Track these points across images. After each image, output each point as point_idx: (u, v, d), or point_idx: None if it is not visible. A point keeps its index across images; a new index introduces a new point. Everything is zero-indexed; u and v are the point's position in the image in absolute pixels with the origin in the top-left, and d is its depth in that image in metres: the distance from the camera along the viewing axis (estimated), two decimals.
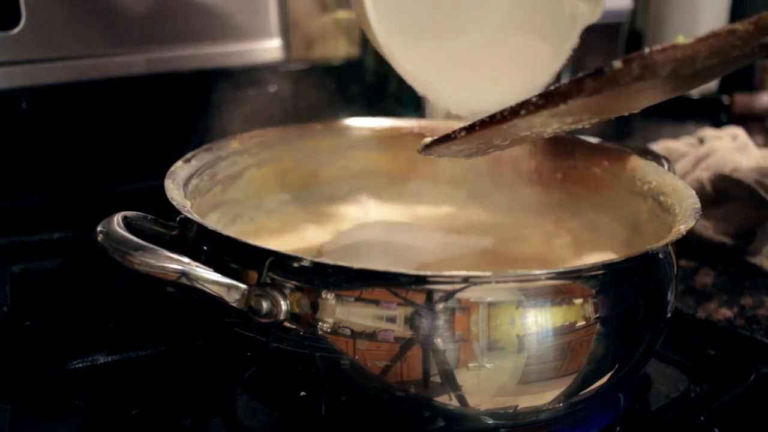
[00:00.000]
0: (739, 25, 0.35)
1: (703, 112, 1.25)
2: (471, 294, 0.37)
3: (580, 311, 0.39)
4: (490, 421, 0.39)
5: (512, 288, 0.38)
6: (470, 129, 0.42)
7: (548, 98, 0.38)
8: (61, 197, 0.82)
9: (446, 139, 0.44)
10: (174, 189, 0.46)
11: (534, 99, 0.38)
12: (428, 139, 0.46)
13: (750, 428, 0.52)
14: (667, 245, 0.43)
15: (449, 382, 0.38)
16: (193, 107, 0.89)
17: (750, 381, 0.53)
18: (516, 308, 0.38)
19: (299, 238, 0.59)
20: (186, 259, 0.38)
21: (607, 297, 0.39)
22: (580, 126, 0.44)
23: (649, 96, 0.41)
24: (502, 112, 0.40)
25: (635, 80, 0.36)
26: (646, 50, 0.35)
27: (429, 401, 0.38)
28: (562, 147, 0.59)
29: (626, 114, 0.45)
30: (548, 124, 0.42)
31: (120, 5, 0.78)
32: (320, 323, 0.38)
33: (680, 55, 0.35)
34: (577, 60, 1.25)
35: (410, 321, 0.37)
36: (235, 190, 0.57)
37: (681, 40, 0.35)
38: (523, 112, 0.39)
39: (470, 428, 0.40)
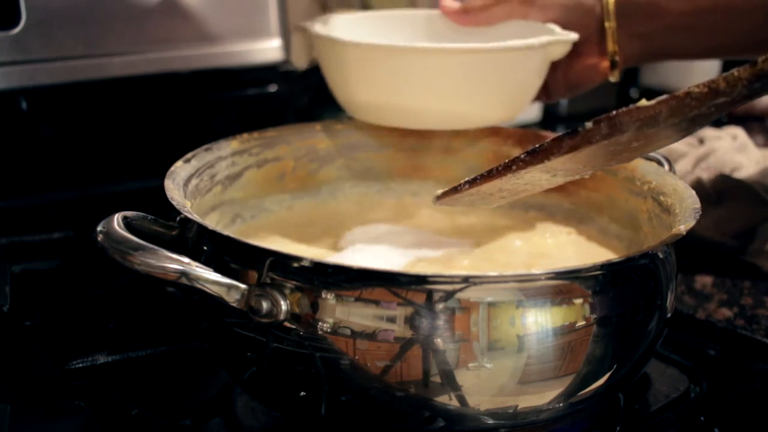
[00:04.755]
0: (695, 88, 0.38)
1: None
2: (471, 294, 0.37)
3: (580, 311, 0.39)
4: (490, 421, 0.39)
5: (512, 288, 0.38)
6: (472, 182, 0.47)
7: (534, 155, 0.43)
8: (61, 197, 0.82)
9: (454, 191, 0.48)
10: (174, 189, 0.46)
11: (522, 156, 0.44)
12: (440, 191, 0.51)
13: (750, 428, 0.52)
14: (667, 245, 0.43)
15: (449, 382, 0.38)
16: (193, 107, 0.89)
17: (750, 381, 0.53)
18: (516, 308, 0.38)
19: (299, 239, 0.59)
20: (186, 259, 0.38)
21: (607, 297, 0.39)
22: (579, 176, 0.49)
23: (642, 149, 0.45)
24: (497, 167, 0.45)
25: (605, 137, 0.40)
26: (613, 112, 0.40)
27: (429, 401, 0.38)
28: None
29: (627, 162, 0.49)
30: (544, 178, 0.47)
31: (120, 5, 0.78)
32: (320, 323, 0.38)
33: (643, 116, 0.40)
34: None
35: (410, 321, 0.37)
36: (235, 190, 0.57)
37: (644, 102, 0.39)
38: (513, 167, 0.44)
39: (470, 428, 0.40)
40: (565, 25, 0.63)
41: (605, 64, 0.67)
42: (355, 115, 0.63)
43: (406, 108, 0.59)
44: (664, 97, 0.39)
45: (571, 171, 0.47)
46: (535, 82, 0.62)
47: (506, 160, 0.45)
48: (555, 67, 0.65)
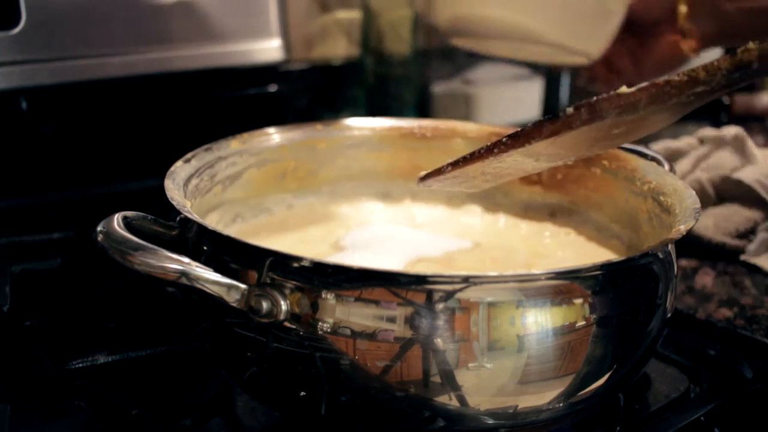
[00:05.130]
0: (675, 76, 0.39)
1: (703, 112, 1.25)
2: (471, 294, 0.37)
3: (580, 311, 0.39)
4: (490, 421, 0.39)
5: (512, 288, 0.38)
6: (455, 164, 0.48)
7: (515, 138, 0.44)
8: (61, 197, 0.82)
9: (437, 172, 0.49)
10: (174, 189, 0.46)
11: (504, 139, 0.44)
12: (423, 173, 0.50)
13: (750, 428, 0.52)
14: (667, 245, 0.43)
15: (449, 382, 0.38)
16: (193, 107, 0.89)
17: (750, 381, 0.53)
18: (516, 308, 0.38)
19: (299, 239, 0.59)
20: (186, 259, 0.38)
21: (607, 297, 0.39)
22: (561, 162, 0.49)
23: (623, 137, 0.45)
24: (479, 150, 0.46)
25: (585, 123, 0.41)
26: (594, 98, 0.41)
27: (429, 401, 0.38)
28: None
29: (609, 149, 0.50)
30: (527, 162, 0.47)
31: (120, 5, 0.78)
32: (320, 323, 0.38)
33: (623, 102, 0.40)
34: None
35: (410, 321, 0.37)
36: (235, 190, 0.57)
37: (624, 89, 0.40)
38: (495, 150, 0.45)
39: (470, 428, 0.40)
40: (644, 5, 0.64)
41: (685, 43, 0.67)
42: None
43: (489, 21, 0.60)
44: (644, 84, 0.40)
45: (554, 156, 0.47)
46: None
47: (488, 143, 0.45)
48: (638, 47, 0.65)
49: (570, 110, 0.41)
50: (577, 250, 0.57)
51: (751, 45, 0.38)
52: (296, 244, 0.57)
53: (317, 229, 0.60)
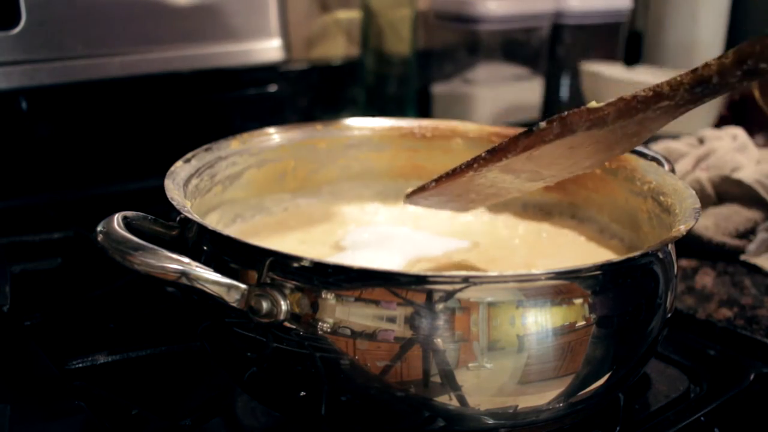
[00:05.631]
0: (641, 91, 0.41)
1: None
2: (471, 294, 0.37)
3: (580, 311, 0.39)
4: (490, 421, 0.39)
5: (512, 288, 0.38)
6: (438, 180, 0.49)
7: (493, 153, 0.45)
8: (61, 197, 0.82)
9: (422, 189, 0.50)
10: (174, 189, 0.46)
11: (482, 154, 0.46)
12: (409, 190, 0.52)
13: (750, 428, 0.52)
14: (667, 245, 0.43)
15: (449, 382, 0.38)
16: (193, 107, 0.89)
17: (750, 381, 0.53)
18: (516, 308, 0.38)
19: (300, 239, 0.59)
20: (186, 259, 0.38)
21: (607, 297, 0.39)
22: (543, 183, 0.51)
23: (597, 155, 0.47)
24: (460, 166, 0.47)
25: (558, 136, 0.43)
26: (565, 113, 0.43)
27: (429, 401, 0.38)
28: None
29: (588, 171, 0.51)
30: (508, 180, 0.49)
31: (120, 5, 0.78)
32: (320, 323, 0.38)
33: (592, 117, 0.42)
34: (579, 60, 1.25)
35: (410, 321, 0.37)
36: (235, 190, 0.57)
37: (593, 104, 0.42)
38: (475, 165, 0.46)
39: (470, 428, 0.40)
40: None
41: None
42: None
43: None
44: (613, 99, 0.41)
45: (534, 174, 0.49)
46: None
47: (468, 159, 0.47)
48: None
49: (543, 124, 0.43)
50: (577, 250, 0.57)
51: (710, 61, 0.39)
52: (297, 244, 0.57)
53: (317, 229, 0.60)
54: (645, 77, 1.09)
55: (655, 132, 0.45)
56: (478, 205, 0.53)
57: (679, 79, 0.40)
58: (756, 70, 0.37)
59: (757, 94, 0.40)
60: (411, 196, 0.53)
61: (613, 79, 1.02)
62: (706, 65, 0.38)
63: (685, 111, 0.41)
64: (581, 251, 0.57)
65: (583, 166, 0.49)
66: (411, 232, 0.59)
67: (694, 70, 0.39)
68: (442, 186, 0.49)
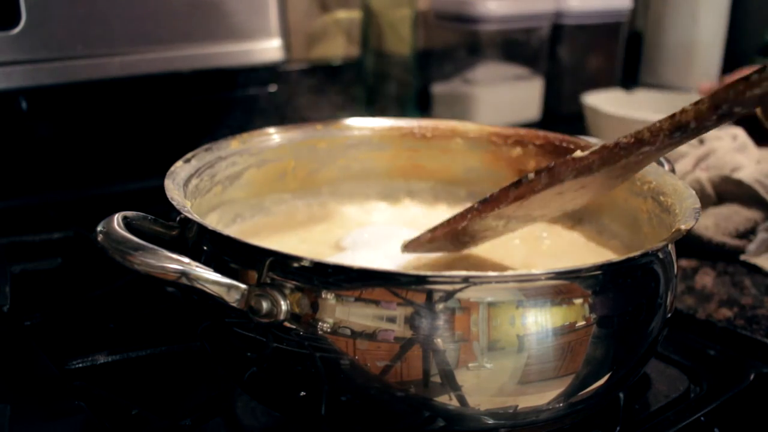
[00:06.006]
0: (623, 138, 0.42)
1: None
2: (471, 294, 0.37)
3: (580, 311, 0.39)
4: (490, 421, 0.39)
5: (512, 288, 0.38)
6: (433, 230, 0.52)
7: (485, 203, 0.48)
8: (61, 197, 0.82)
9: (417, 240, 0.52)
10: (174, 189, 0.46)
11: (475, 205, 0.49)
12: (406, 241, 0.55)
13: (750, 428, 0.52)
14: (667, 245, 0.43)
15: (449, 382, 0.38)
16: (193, 107, 0.89)
17: (750, 381, 0.53)
18: (516, 308, 0.38)
19: (300, 239, 0.59)
20: (186, 259, 0.38)
21: (607, 297, 0.39)
22: (534, 222, 0.53)
23: (591, 193, 0.49)
24: (454, 217, 0.50)
25: (546, 186, 0.45)
26: (552, 163, 0.45)
27: (429, 401, 0.38)
28: (561, 147, 0.59)
29: (574, 209, 0.53)
30: (501, 224, 0.51)
31: (120, 5, 0.78)
32: (320, 323, 0.38)
33: (578, 166, 0.44)
34: (579, 60, 1.25)
35: (410, 321, 0.37)
36: (235, 190, 0.57)
37: (578, 153, 0.44)
38: (468, 215, 0.49)
39: (470, 428, 0.40)
40: None
41: None
42: None
43: None
44: (596, 147, 0.44)
45: (525, 217, 0.51)
46: None
47: (463, 210, 0.50)
48: None
49: (531, 176, 0.46)
50: (577, 251, 0.57)
51: (687, 107, 0.40)
52: (297, 244, 0.57)
53: (317, 228, 0.60)
54: (643, 106, 1.10)
55: (639, 171, 0.48)
56: (471, 246, 0.55)
57: (658, 125, 0.41)
58: (730, 113, 0.39)
59: (759, 111, 0.40)
60: (408, 246, 0.55)
61: (612, 116, 1.04)
62: (684, 111, 0.40)
63: (667, 152, 0.43)
64: (581, 251, 0.57)
65: (572, 206, 0.51)
66: (411, 232, 0.59)
67: (672, 116, 0.41)
68: (437, 235, 0.52)
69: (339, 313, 0.37)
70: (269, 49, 0.88)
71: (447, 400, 0.38)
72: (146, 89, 0.86)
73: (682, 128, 0.41)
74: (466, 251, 0.56)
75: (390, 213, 0.64)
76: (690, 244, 0.70)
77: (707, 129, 0.41)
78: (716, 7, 1.30)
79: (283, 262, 0.39)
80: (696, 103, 0.40)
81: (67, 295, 0.62)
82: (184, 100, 0.89)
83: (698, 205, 0.45)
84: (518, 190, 0.46)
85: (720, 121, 0.40)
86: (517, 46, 1.15)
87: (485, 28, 1.09)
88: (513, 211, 0.48)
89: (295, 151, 0.61)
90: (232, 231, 0.57)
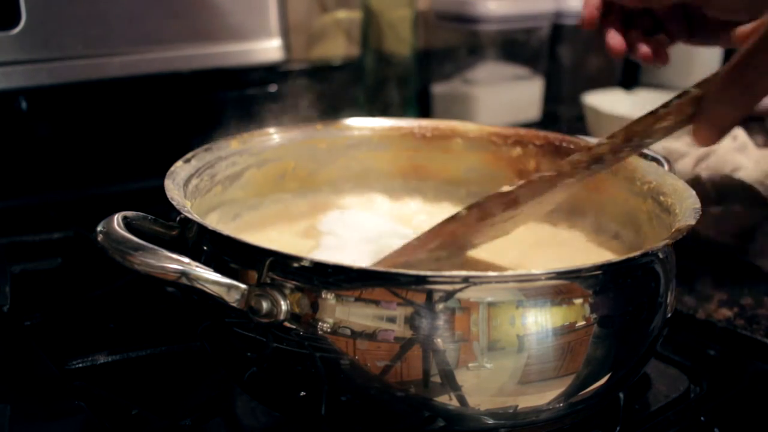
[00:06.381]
0: (546, 173, 0.48)
1: None
2: (471, 294, 0.37)
3: (580, 311, 0.39)
4: (490, 421, 0.39)
5: (512, 288, 0.38)
6: (422, 237, 0.53)
7: (420, 239, 0.52)
8: (61, 197, 0.82)
9: (408, 246, 0.53)
10: (174, 189, 0.46)
11: (413, 241, 0.52)
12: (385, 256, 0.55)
13: (750, 428, 0.52)
14: (667, 245, 0.43)
15: (449, 382, 0.38)
16: (193, 107, 0.89)
17: (750, 381, 0.53)
18: (516, 308, 0.38)
19: (300, 239, 0.59)
20: (186, 259, 0.38)
21: (607, 297, 0.39)
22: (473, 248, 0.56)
23: (518, 221, 0.53)
24: (396, 250, 0.53)
25: (479, 220, 0.50)
26: (482, 198, 0.49)
27: (429, 401, 0.38)
28: (561, 147, 0.59)
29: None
30: (442, 255, 0.54)
31: (120, 5, 0.78)
32: (320, 323, 0.38)
33: (506, 200, 0.48)
34: (579, 60, 1.25)
35: (410, 321, 0.37)
36: (235, 190, 0.57)
37: (506, 188, 0.48)
38: (408, 251, 0.52)
39: (470, 428, 0.40)
40: None
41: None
42: None
43: None
44: (522, 182, 0.48)
45: (462, 247, 0.54)
46: None
47: (402, 245, 0.52)
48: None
49: (463, 212, 0.50)
50: (577, 250, 0.57)
51: (603, 140, 0.45)
52: (296, 244, 0.57)
53: (317, 228, 0.60)
54: (643, 106, 1.10)
55: (563, 199, 0.53)
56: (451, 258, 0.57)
57: (577, 158, 0.46)
58: (641, 145, 0.45)
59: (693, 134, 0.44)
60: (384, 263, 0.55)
61: (612, 116, 1.04)
62: (600, 144, 0.45)
63: (586, 179, 0.48)
64: (581, 251, 0.57)
65: (503, 233, 0.54)
66: (411, 232, 0.59)
67: (590, 149, 0.46)
68: (428, 241, 0.53)
69: (339, 313, 0.37)
70: (269, 49, 0.88)
71: (447, 400, 0.38)
72: (146, 89, 0.86)
73: (599, 160, 0.46)
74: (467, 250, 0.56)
75: (390, 213, 0.64)
76: (690, 244, 0.70)
77: (622, 159, 0.47)
78: None
79: (283, 262, 0.39)
80: (611, 137, 0.44)
81: (67, 295, 0.62)
82: (184, 100, 0.89)
83: (698, 205, 0.45)
84: (450, 225, 0.50)
85: (632, 152, 0.46)
86: (517, 46, 1.15)
87: (485, 28, 1.09)
88: (448, 244, 0.52)
89: (295, 151, 0.61)
90: (232, 231, 0.57)
